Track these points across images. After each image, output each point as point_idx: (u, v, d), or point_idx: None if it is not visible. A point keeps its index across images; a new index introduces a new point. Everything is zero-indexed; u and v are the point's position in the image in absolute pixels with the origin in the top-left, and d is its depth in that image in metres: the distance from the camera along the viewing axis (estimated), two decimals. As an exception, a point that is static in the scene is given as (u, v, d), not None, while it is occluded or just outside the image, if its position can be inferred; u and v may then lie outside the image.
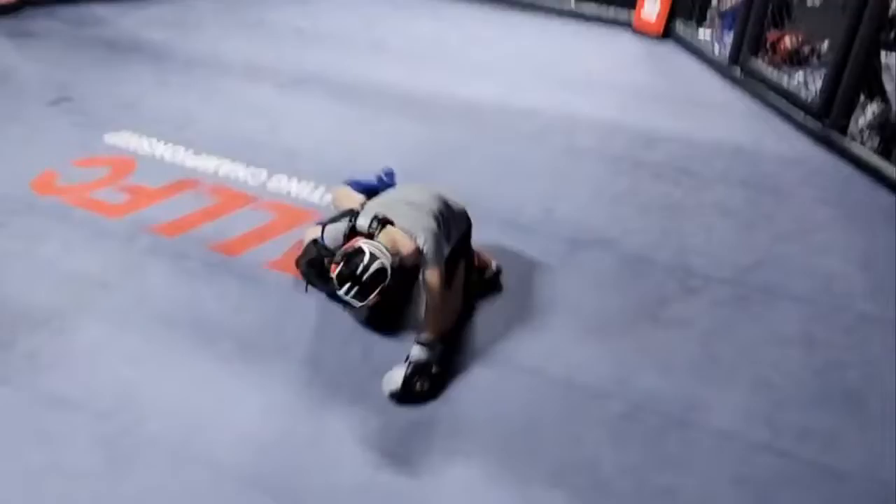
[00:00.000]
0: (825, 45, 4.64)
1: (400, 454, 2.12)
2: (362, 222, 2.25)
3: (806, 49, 4.65)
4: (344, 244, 2.25)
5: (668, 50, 4.91)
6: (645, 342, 2.46)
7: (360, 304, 2.14)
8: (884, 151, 3.55)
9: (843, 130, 3.73)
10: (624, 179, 3.36)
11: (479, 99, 4.11)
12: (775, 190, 3.31)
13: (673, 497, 1.98)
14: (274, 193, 3.30)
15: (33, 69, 4.62)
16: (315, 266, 2.39)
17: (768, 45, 4.52)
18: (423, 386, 2.24)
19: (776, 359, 2.41)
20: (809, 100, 3.95)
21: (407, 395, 2.23)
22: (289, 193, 3.27)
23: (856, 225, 3.11)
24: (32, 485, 2.07)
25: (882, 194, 3.33)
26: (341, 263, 2.13)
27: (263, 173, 3.44)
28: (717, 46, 4.75)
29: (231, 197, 3.27)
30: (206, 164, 3.53)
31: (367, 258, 2.11)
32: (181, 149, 3.66)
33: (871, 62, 3.62)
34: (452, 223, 2.46)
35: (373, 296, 2.13)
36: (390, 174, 3.05)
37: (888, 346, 2.47)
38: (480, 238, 2.86)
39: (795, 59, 4.52)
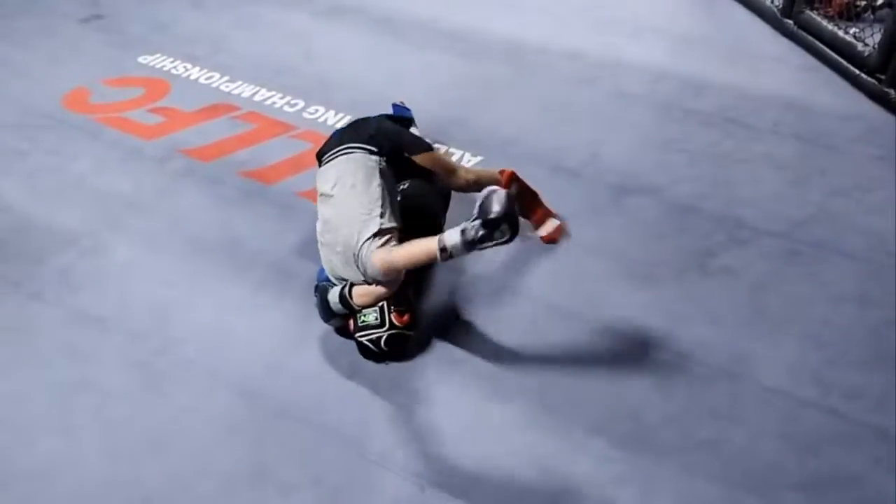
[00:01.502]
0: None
1: (437, 393, 2.08)
2: (335, 302, 2.13)
3: (862, 3, 4.43)
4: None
5: (717, -2, 4.69)
6: (692, 292, 2.38)
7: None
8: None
9: (902, 88, 3.56)
10: (672, 127, 3.23)
11: (522, 37, 3.95)
12: (829, 145, 3.17)
13: (717, 448, 1.93)
14: (310, 122, 3.20)
15: (64, -15, 4.49)
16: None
17: (822, -2, 4.31)
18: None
19: (826, 315, 2.32)
20: (866, 55, 3.76)
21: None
22: (325, 123, 3.18)
23: (912, 184, 2.97)
24: (65, 400, 2.06)
25: (939, 155, 3.17)
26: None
27: (300, 102, 3.34)
28: (769, -4, 4.54)
29: (267, 124, 3.19)
30: (242, 89, 3.43)
31: (373, 347, 2.12)
32: (216, 73, 3.56)
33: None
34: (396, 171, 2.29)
35: (405, 338, 2.15)
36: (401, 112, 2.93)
37: (943, 309, 2.38)
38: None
39: (850, 14, 4.31)
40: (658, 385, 2.09)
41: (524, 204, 2.51)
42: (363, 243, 2.05)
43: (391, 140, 2.29)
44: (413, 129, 2.84)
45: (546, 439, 1.95)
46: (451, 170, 2.41)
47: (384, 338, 2.10)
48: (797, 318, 2.31)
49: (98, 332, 2.25)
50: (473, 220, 1.90)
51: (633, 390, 2.08)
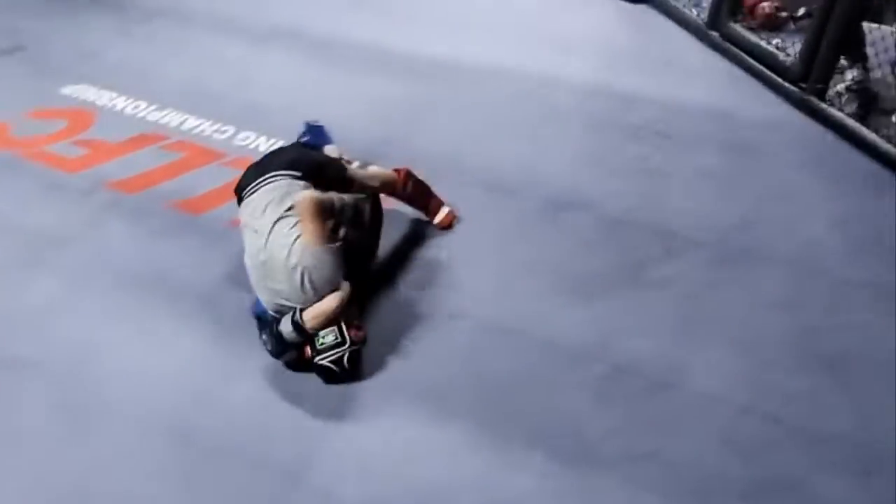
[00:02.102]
0: (801, 10, 4.61)
1: (377, 420, 2.03)
2: (289, 331, 2.08)
3: (783, 14, 4.62)
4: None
5: (646, 12, 4.82)
6: (627, 304, 2.40)
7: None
8: (861, 117, 3.53)
9: (822, 95, 3.69)
10: (603, 141, 3.28)
11: (456, 57, 3.98)
12: (755, 153, 3.27)
13: (658, 459, 1.93)
14: (240, 149, 3.15)
15: (-18, 16, 4.35)
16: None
17: (745, 10, 4.47)
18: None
19: (759, 322, 2.37)
20: (788, 64, 3.90)
21: None
22: (256, 149, 3.12)
23: (836, 189, 3.07)
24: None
25: (860, 158, 3.29)
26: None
27: (230, 129, 3.28)
28: (694, 10, 4.68)
29: (196, 153, 3.12)
30: (170, 118, 3.36)
31: (335, 368, 2.09)
32: (143, 102, 3.48)
33: (853, 28, 3.58)
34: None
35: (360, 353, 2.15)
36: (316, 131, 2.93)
37: (869, 310, 2.45)
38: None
39: (772, 25, 4.48)
40: (596, 399, 2.09)
41: (420, 197, 2.68)
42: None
43: (311, 163, 2.32)
44: (330, 147, 2.84)
45: (487, 459, 1.92)
46: (362, 182, 2.46)
47: (346, 356, 2.07)
48: (730, 326, 2.34)
49: (18, 375, 2.14)
50: None
51: (571, 405, 2.07)
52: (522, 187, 2.94)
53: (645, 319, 2.35)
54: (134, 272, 2.50)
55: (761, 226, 2.78)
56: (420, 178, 2.69)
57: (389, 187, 2.59)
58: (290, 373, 2.13)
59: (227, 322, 2.29)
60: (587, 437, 1.99)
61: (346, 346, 2.07)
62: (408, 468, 1.91)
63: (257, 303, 2.21)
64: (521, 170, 3.04)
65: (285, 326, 2.08)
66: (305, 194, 2.13)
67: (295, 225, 2.12)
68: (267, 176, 2.25)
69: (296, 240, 2.09)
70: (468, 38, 4.22)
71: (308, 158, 2.38)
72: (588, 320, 2.33)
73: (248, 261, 2.18)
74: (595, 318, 2.34)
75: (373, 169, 2.56)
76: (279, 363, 2.15)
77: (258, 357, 2.16)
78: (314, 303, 2.08)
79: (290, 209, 2.16)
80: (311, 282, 2.07)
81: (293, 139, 3.04)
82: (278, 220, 2.14)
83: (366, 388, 2.12)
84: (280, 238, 2.10)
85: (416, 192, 2.67)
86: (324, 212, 2.11)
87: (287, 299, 2.10)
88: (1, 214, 2.77)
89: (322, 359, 2.08)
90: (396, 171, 2.63)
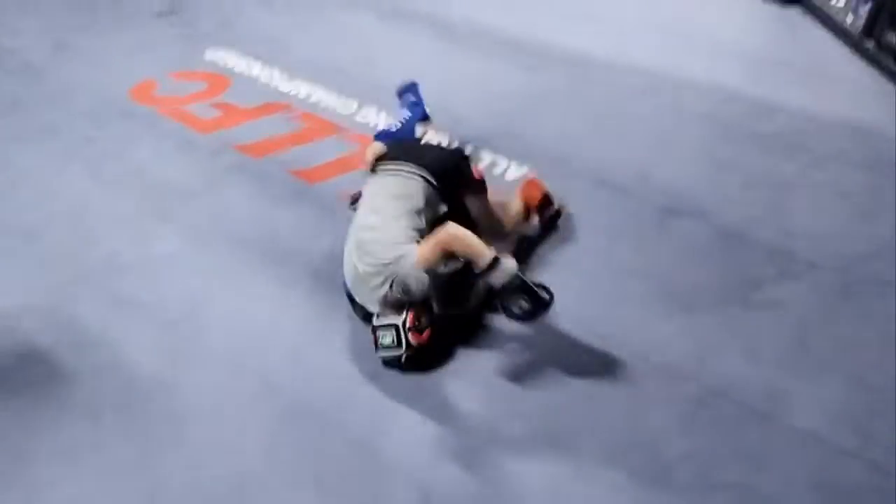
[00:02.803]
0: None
1: (455, 405, 2.05)
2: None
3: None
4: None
5: (797, 16, 4.49)
6: (731, 323, 2.28)
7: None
8: None
9: None
10: (731, 149, 3.10)
11: (586, 49, 3.88)
12: (901, 177, 2.99)
13: (741, 493, 1.83)
14: (361, 125, 3.23)
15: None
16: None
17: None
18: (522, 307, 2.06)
19: (877, 359, 2.18)
20: (954, 82, 3.54)
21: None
22: (376, 126, 3.20)
23: None
24: (91, 381, 2.13)
25: None
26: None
27: (354, 104, 3.37)
28: (850, 16, 4.31)
29: (319, 124, 3.24)
30: (299, 88, 3.50)
31: (395, 363, 2.14)
32: (276, 71, 3.64)
33: None
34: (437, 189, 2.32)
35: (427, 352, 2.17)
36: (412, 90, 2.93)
37: None
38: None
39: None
40: (682, 419, 2.00)
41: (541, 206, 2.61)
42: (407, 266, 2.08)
43: (455, 174, 2.37)
44: (424, 125, 2.86)
45: (559, 461, 1.90)
46: (496, 220, 2.47)
47: (403, 357, 2.12)
48: (844, 360, 2.17)
49: (133, 315, 2.32)
50: (536, 284, 2.05)
51: (655, 420, 2.00)
52: (636, 188, 2.83)
53: (749, 341, 2.22)
54: (248, 233, 2.64)
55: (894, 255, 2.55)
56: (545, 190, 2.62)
57: (514, 224, 2.55)
58: (372, 349, 2.18)
59: (323, 291, 2.37)
60: (666, 458, 1.91)
61: (403, 350, 2.09)
62: (476, 456, 1.92)
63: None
64: (637, 170, 2.94)
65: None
66: (450, 230, 2.10)
67: (414, 229, 2.17)
68: (411, 168, 2.30)
69: (405, 244, 2.12)
70: (602, 32, 4.10)
71: (454, 168, 2.39)
72: (686, 335, 2.23)
73: (352, 227, 2.25)
74: (694, 333, 2.24)
75: (509, 210, 2.55)
76: (365, 337, 2.19)
77: (348, 327, 2.23)
78: (379, 305, 2.14)
79: (418, 213, 2.22)
80: (390, 287, 2.10)
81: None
82: (400, 215, 2.19)
83: (447, 373, 2.14)
84: (391, 236, 2.15)
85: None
86: (449, 254, 2.10)
87: (358, 282, 2.16)
88: (139, 165, 3.01)
89: (382, 354, 2.13)
90: (526, 198, 2.57)
